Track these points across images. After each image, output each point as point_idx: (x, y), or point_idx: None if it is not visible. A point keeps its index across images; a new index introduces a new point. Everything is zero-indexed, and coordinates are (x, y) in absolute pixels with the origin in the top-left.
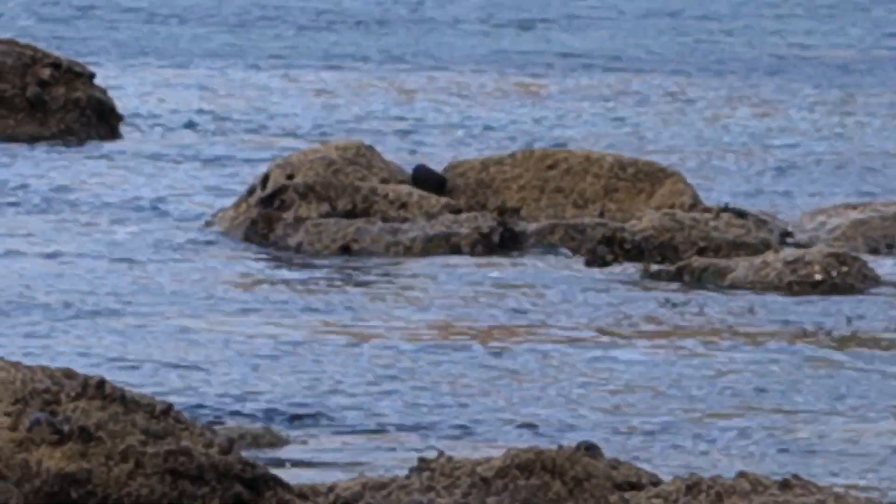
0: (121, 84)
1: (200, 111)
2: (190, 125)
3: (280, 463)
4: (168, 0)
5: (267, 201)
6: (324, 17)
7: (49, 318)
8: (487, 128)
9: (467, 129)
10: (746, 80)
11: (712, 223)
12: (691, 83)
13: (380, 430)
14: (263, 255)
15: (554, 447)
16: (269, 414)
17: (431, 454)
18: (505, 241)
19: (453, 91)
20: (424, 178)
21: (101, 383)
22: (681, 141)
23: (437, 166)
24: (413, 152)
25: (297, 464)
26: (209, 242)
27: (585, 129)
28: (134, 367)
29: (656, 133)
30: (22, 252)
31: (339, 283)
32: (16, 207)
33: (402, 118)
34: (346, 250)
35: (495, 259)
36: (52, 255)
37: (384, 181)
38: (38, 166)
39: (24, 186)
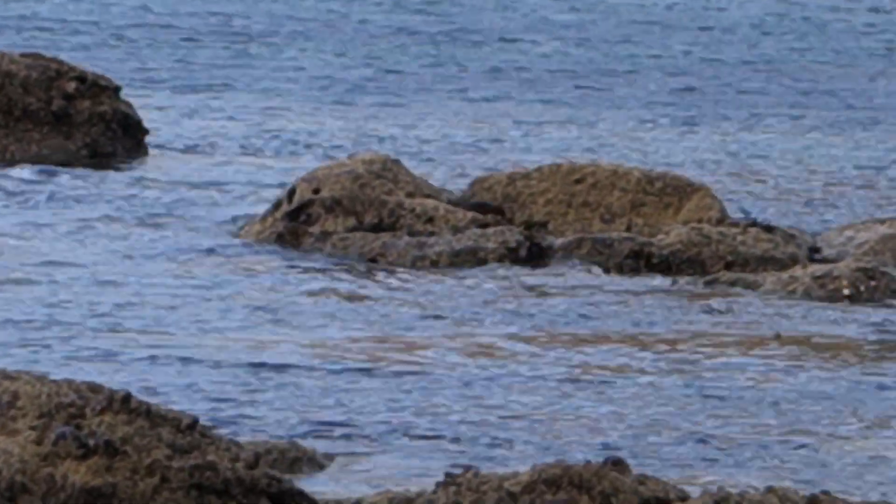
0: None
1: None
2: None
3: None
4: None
5: (293, 215)
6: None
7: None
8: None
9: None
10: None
11: (740, 238)
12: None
13: (408, 445)
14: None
15: (581, 462)
16: (298, 429)
17: (458, 470)
18: (532, 256)
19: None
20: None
21: (127, 397)
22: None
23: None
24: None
25: (323, 478)
26: (239, 254)
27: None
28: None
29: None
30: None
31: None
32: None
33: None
34: (373, 263)
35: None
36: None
37: (410, 195)
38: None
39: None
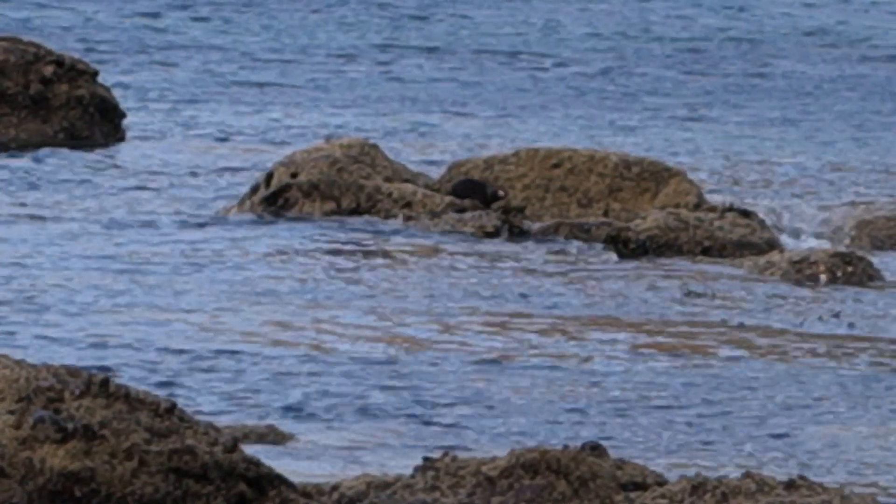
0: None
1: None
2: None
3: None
4: None
5: (271, 199)
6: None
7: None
8: None
9: None
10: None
11: (717, 223)
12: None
13: (385, 427)
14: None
15: (559, 447)
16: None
17: (436, 453)
18: (509, 240)
19: None
20: (468, 193)
21: (105, 381)
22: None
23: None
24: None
25: (300, 461)
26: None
27: None
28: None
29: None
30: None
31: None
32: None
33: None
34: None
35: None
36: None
37: (388, 179)
38: (46, 173)
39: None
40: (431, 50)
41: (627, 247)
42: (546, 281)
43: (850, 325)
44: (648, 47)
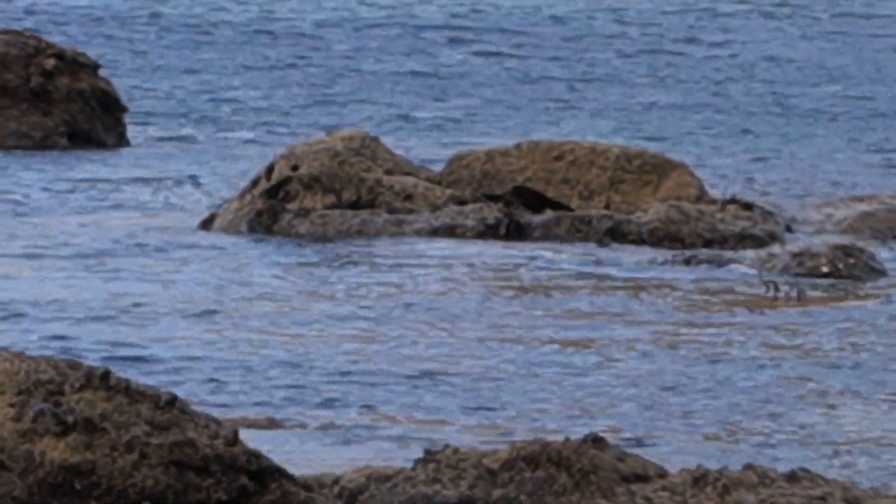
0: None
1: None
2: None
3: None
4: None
5: (272, 192)
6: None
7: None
8: None
9: None
10: None
11: (718, 215)
12: None
13: (385, 417)
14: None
15: (560, 439)
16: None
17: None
18: (510, 233)
19: None
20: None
21: (106, 374)
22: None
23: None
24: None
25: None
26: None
27: None
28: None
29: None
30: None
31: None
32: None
33: None
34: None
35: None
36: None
37: (389, 172)
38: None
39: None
40: None
41: (628, 239)
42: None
43: None
44: None
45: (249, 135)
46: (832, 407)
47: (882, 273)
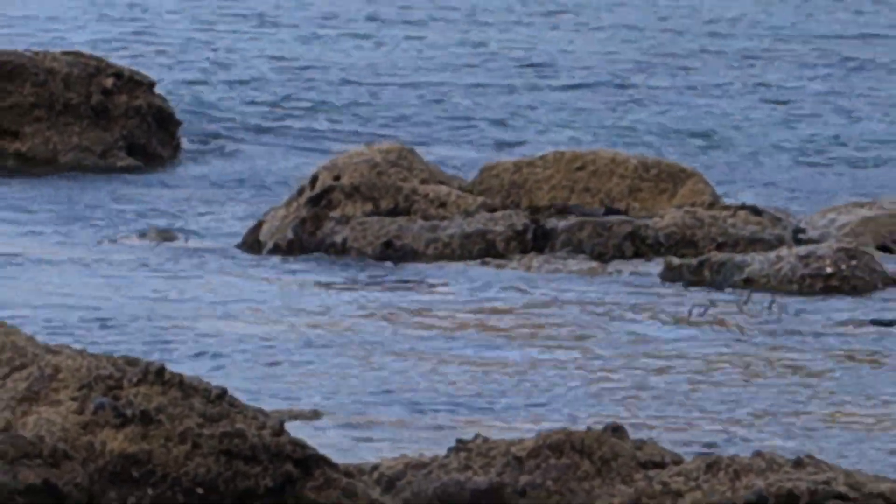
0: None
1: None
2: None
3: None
4: None
5: (315, 200)
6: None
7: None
8: None
9: None
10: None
11: (730, 220)
12: None
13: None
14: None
15: (583, 429)
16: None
17: (469, 435)
18: (537, 238)
19: None
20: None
21: (161, 370)
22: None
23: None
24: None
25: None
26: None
27: None
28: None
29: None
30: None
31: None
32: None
33: None
34: (388, 246)
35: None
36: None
37: (424, 182)
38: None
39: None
40: None
41: (646, 243)
42: None
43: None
44: None
45: (292, 144)
46: None
47: (882, 274)
